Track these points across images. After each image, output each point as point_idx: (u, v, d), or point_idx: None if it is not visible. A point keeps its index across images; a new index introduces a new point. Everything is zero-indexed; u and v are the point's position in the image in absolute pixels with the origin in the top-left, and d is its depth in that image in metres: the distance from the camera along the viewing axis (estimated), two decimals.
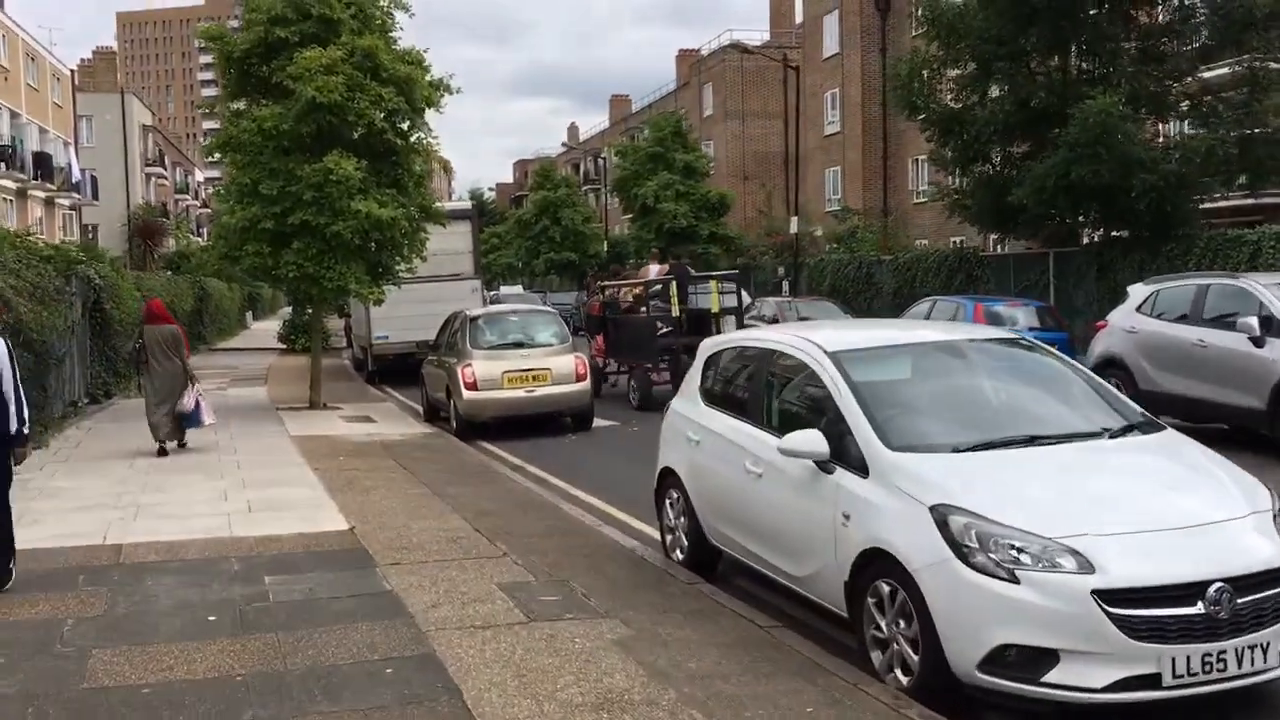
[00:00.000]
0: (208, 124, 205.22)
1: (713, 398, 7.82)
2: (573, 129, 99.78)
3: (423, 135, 18.24)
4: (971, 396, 6.56)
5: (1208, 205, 22.62)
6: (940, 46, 23.20)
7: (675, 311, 18.35)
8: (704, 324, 17.80)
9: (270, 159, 17.15)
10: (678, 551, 8.10)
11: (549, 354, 15.97)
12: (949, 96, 23.84)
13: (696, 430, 7.72)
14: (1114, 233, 22.70)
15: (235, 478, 12.03)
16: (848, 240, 35.33)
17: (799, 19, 63.06)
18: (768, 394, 7.12)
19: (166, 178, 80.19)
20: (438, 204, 18.60)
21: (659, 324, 18.25)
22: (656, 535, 8.81)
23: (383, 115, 17.21)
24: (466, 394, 15.49)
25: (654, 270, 21.79)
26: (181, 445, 13.90)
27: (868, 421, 5.86)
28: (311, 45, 16.88)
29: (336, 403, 19.32)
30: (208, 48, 17.61)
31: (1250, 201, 24.74)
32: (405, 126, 18.10)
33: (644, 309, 19.28)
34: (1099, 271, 22.39)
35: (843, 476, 5.83)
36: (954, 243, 37.10)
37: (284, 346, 35.99)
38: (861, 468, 5.73)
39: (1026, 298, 21.69)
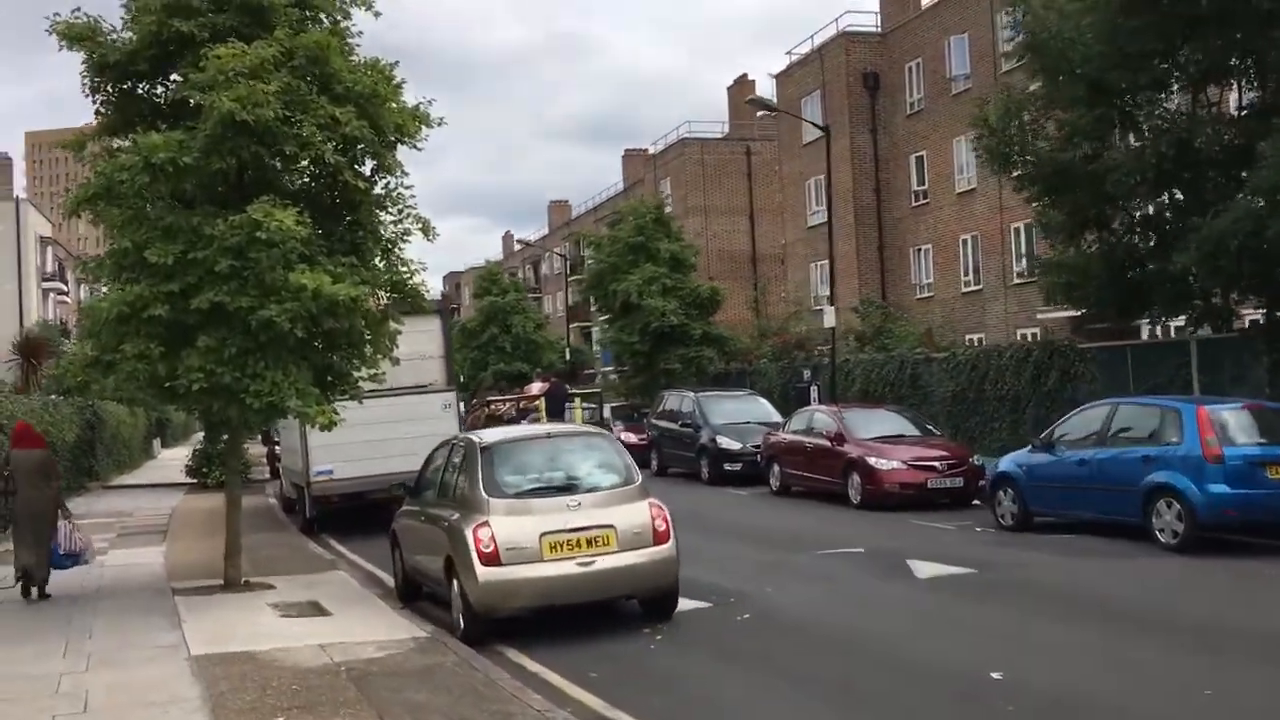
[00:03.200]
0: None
1: None
2: (508, 237, 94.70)
3: (394, 181, 12.49)
4: None
5: None
6: (1045, 80, 18.14)
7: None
8: None
9: (163, 212, 11.28)
10: None
11: (610, 501, 10.06)
12: (1047, 145, 18.70)
13: None
14: None
15: None
16: (876, 337, 29.98)
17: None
18: None
19: (68, 293, 73.18)
20: (415, 279, 12.75)
21: None
22: None
23: (335, 146, 11.46)
24: (484, 572, 9.48)
25: (536, 387, 23.23)
26: (43, 595, 12.20)
27: None
28: (230, 41, 11.15)
29: (264, 575, 13.12)
30: (72, 49, 11.72)
31: None
32: (369, 167, 12.35)
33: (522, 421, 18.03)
34: (1276, 363, 17.08)
35: None
36: (1022, 335, 31.97)
37: (193, 481, 29.38)
38: None
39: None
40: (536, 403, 30.61)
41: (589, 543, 9.74)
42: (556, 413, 34.44)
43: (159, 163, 10.80)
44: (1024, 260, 34.48)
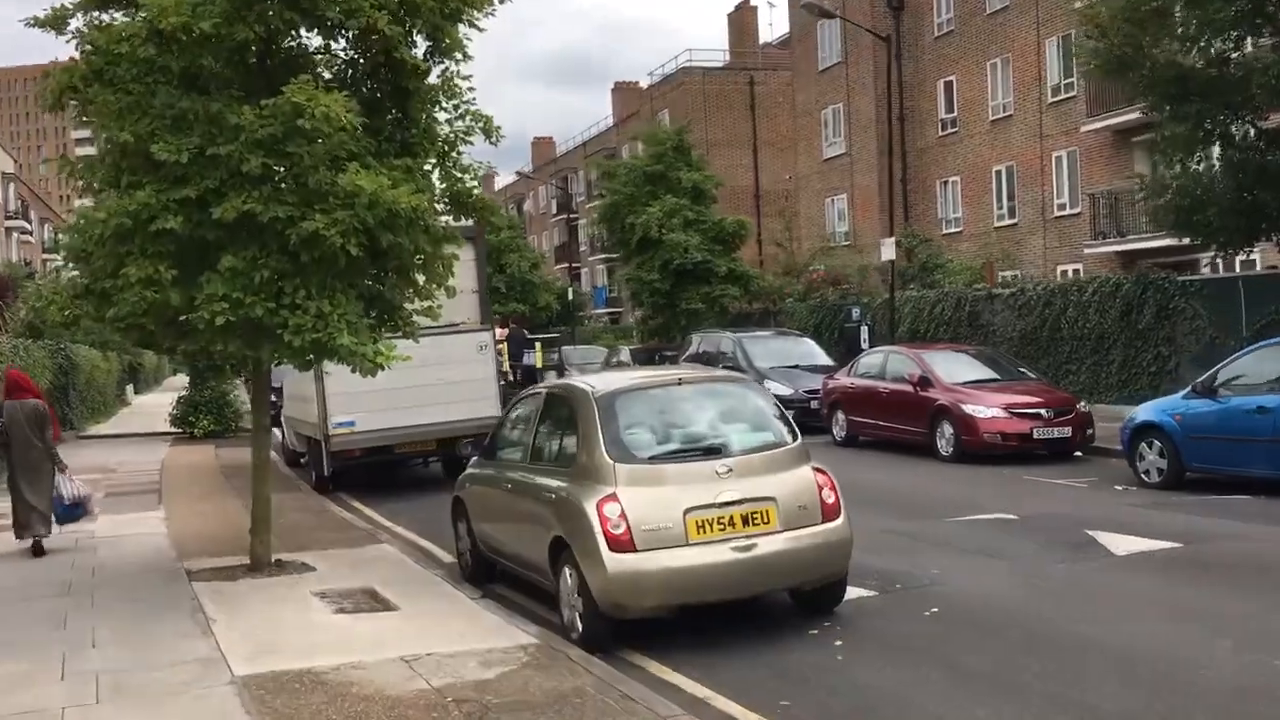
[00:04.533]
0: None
1: None
2: (488, 177, 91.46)
3: (452, 66, 10.00)
4: None
5: None
6: None
7: (506, 368, 16.97)
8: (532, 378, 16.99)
9: (173, 97, 8.79)
10: None
11: (767, 466, 7.79)
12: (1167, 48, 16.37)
13: None
14: None
15: None
16: (924, 273, 27.74)
17: (772, 34, 56.48)
18: None
19: (31, 233, 69.82)
20: (479, 191, 10.29)
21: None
22: None
23: (387, 17, 8.98)
24: (614, 561, 7.21)
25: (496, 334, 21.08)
26: (40, 551, 11.38)
27: None
28: None
29: (294, 551, 10.80)
30: None
31: None
32: (421, 49, 9.87)
33: None
34: None
35: None
36: (1063, 272, 29.67)
37: (178, 432, 26.93)
38: None
39: None
40: (500, 346, 28.41)
41: (745, 520, 7.49)
42: (515, 357, 32.21)
43: (169, 29, 8.31)
44: (1066, 192, 32.43)
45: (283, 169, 8.56)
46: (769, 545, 7.47)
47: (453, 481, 16.50)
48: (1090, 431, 16.07)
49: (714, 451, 7.77)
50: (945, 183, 37.96)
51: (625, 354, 29.68)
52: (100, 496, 15.33)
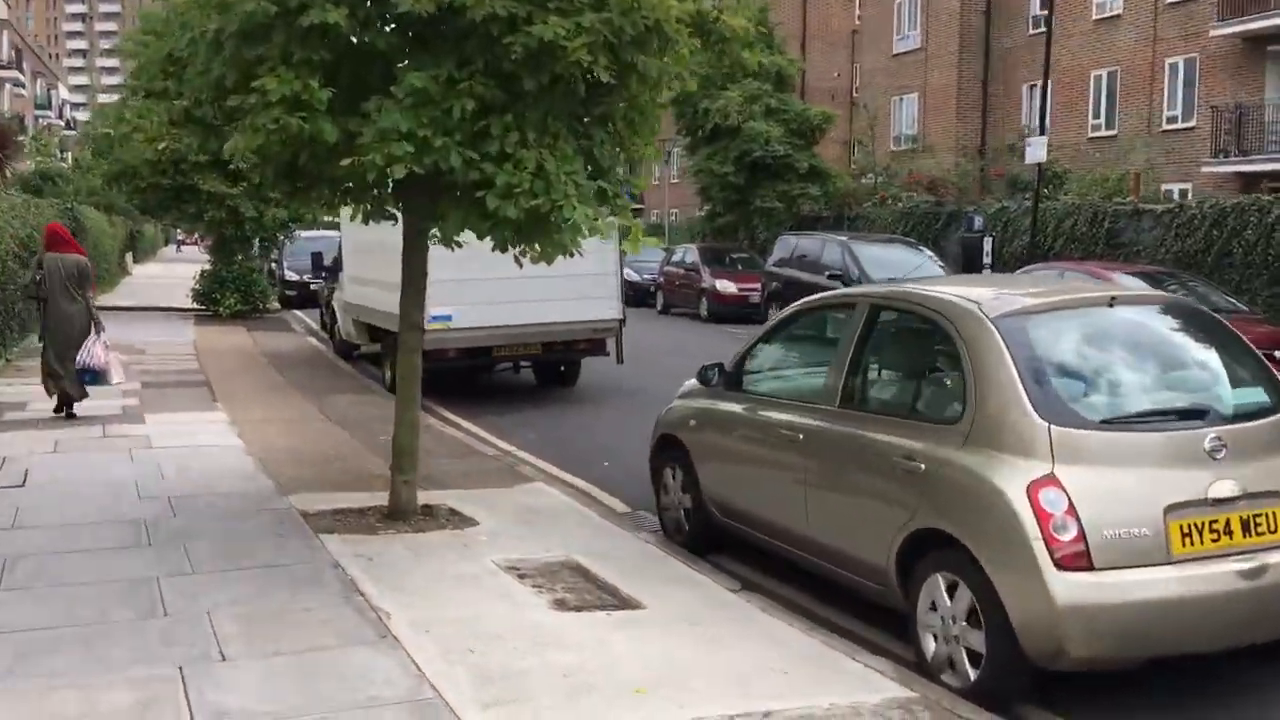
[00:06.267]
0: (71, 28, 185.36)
1: None
2: None
3: None
4: None
5: None
6: None
7: None
8: None
9: None
10: None
11: (1272, 444, 5.08)
12: None
13: None
14: None
15: None
16: (1034, 183, 24.78)
17: None
18: None
19: (24, 86, 65.67)
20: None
21: None
22: None
23: None
24: (1060, 582, 4.55)
25: None
26: (69, 414, 10.91)
27: None
28: None
29: (425, 484, 8.05)
30: None
31: None
32: None
33: None
34: None
35: None
36: (1166, 191, 26.73)
37: (200, 309, 24.04)
38: None
39: None
40: None
41: (1246, 527, 4.82)
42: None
43: None
44: (1180, 103, 29.43)
45: None
46: None
47: (551, 390, 13.84)
48: None
49: (1194, 416, 5.05)
50: (1032, 86, 34.72)
51: (694, 252, 26.74)
52: (136, 388, 12.71)
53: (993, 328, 5.13)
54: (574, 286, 13.16)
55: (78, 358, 10.76)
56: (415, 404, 7.43)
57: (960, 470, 4.95)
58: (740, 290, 24.80)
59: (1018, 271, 17.44)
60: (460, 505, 7.77)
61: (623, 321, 13.81)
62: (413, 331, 7.30)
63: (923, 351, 5.67)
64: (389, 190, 6.74)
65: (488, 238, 6.48)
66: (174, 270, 41.78)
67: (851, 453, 5.67)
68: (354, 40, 6.00)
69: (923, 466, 5.14)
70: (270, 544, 6.72)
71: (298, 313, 26.32)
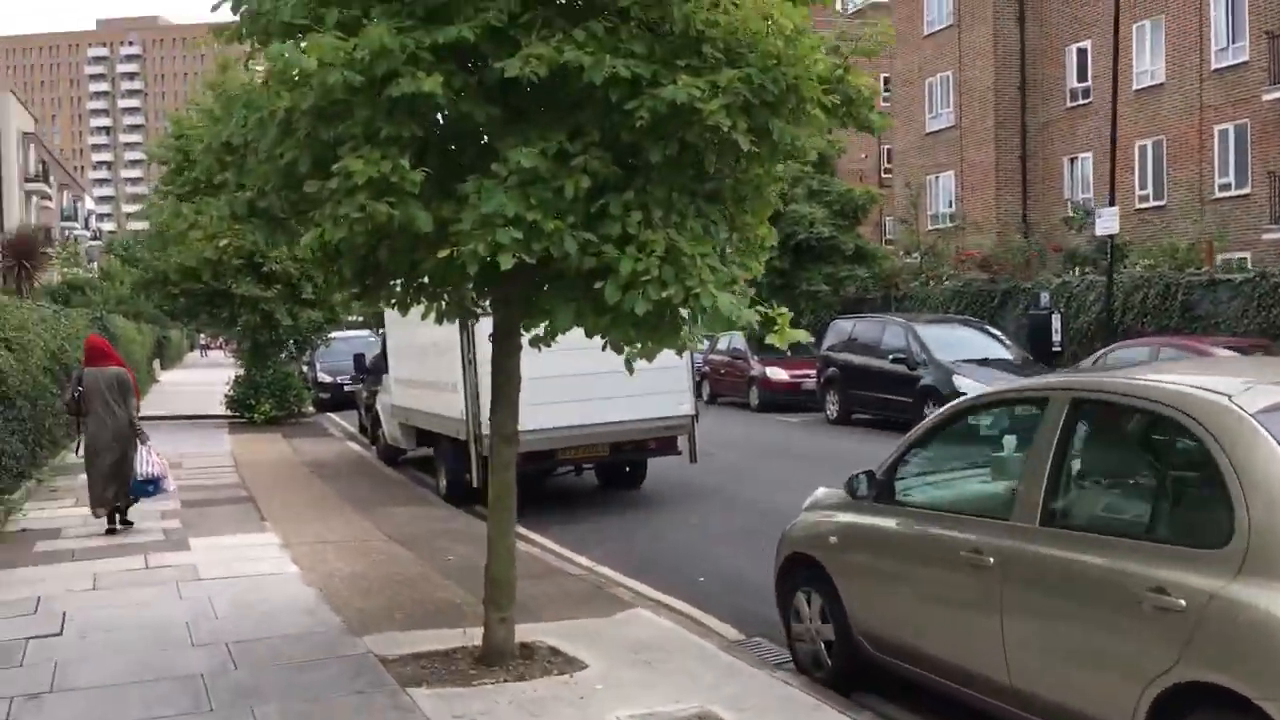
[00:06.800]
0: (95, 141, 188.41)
1: None
2: None
3: None
4: None
5: None
6: None
7: None
8: None
9: None
10: None
11: None
12: None
13: None
14: None
15: None
16: (1094, 254, 23.95)
17: None
18: None
19: (51, 199, 66.09)
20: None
21: None
22: None
23: None
24: None
25: None
26: (125, 522, 10.89)
27: None
28: None
29: (521, 611, 7.02)
30: None
31: None
32: None
33: None
34: None
35: None
36: (1225, 260, 25.77)
37: (234, 415, 23.26)
38: None
39: None
40: None
41: None
42: None
43: None
44: (1231, 170, 28.62)
45: None
46: None
47: (616, 493, 12.84)
48: None
49: None
50: (1073, 159, 34.12)
51: (740, 339, 25.84)
52: (177, 507, 11.83)
53: (1257, 425, 4.14)
54: (643, 382, 12.08)
55: (138, 469, 10.64)
56: (511, 528, 6.46)
57: (1245, 609, 3.92)
58: (792, 377, 23.87)
59: (1100, 351, 16.45)
60: (560, 642, 6.75)
61: (695, 417, 12.85)
62: (507, 445, 6.34)
63: (1156, 456, 4.69)
64: (479, 285, 5.85)
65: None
66: (201, 376, 41.21)
67: (1067, 583, 4.64)
68: (444, 114, 5.16)
69: (1183, 603, 4.10)
70: (352, 703, 5.71)
71: (333, 416, 25.50)
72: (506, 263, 4.88)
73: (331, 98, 4.91)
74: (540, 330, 5.99)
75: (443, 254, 4.97)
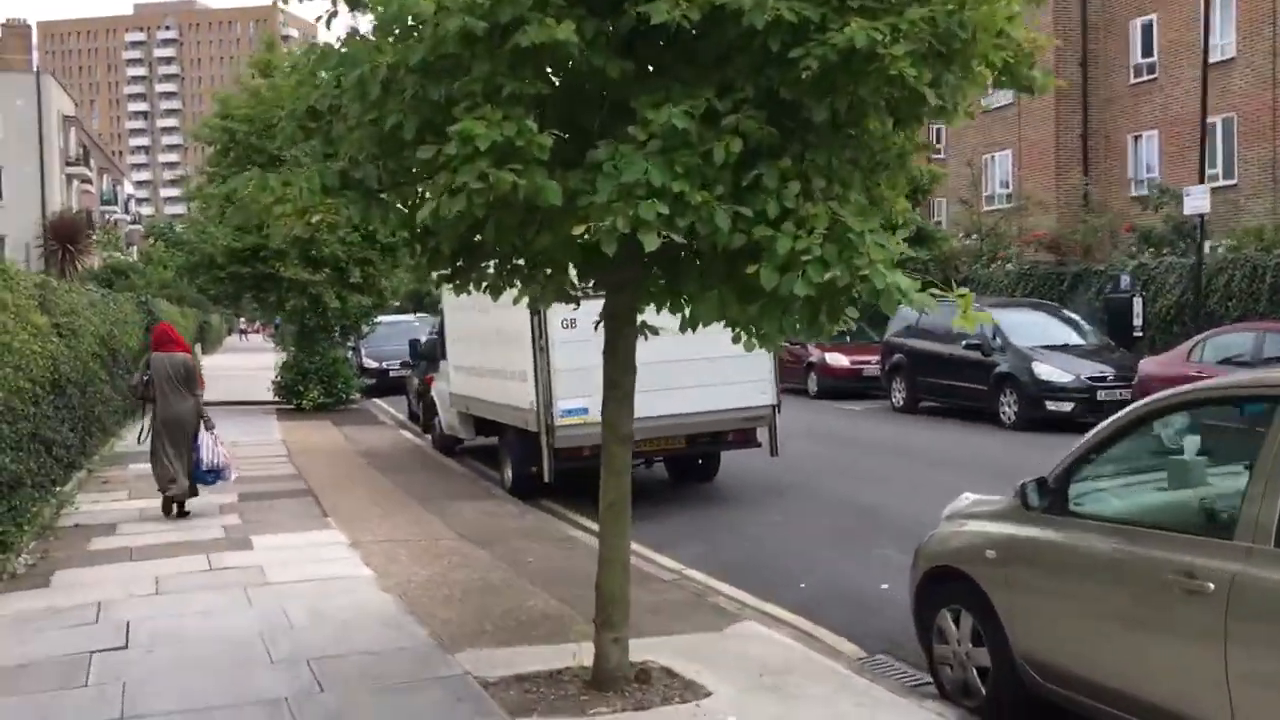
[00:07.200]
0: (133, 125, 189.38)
1: None
2: None
3: None
4: None
5: None
6: None
7: None
8: None
9: None
10: None
11: None
12: None
13: None
14: None
15: None
16: (1170, 235, 22.99)
17: None
18: None
19: (91, 182, 66.02)
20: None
21: None
22: None
23: None
24: None
25: None
26: (182, 513, 10.72)
27: None
28: None
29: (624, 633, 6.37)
30: None
31: None
32: None
33: None
34: None
35: None
36: None
37: (280, 402, 22.79)
38: None
39: None
40: None
41: None
42: None
43: None
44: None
45: None
46: None
47: (689, 487, 12.28)
48: None
49: None
50: (1137, 137, 33.01)
51: None
52: (233, 501, 11.34)
53: None
54: (723, 370, 11.54)
55: (203, 459, 10.68)
56: (627, 540, 5.80)
57: None
58: (853, 364, 23.10)
59: (1197, 337, 15.57)
60: (673, 661, 6.09)
61: (778, 407, 12.15)
62: (621, 446, 5.67)
63: None
64: (584, 268, 5.18)
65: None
66: (243, 360, 40.92)
67: None
68: (571, 68, 4.47)
69: None
70: None
71: (379, 402, 24.96)
72: (652, 243, 4.20)
73: (444, 50, 4.24)
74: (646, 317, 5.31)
75: (577, 230, 4.29)
